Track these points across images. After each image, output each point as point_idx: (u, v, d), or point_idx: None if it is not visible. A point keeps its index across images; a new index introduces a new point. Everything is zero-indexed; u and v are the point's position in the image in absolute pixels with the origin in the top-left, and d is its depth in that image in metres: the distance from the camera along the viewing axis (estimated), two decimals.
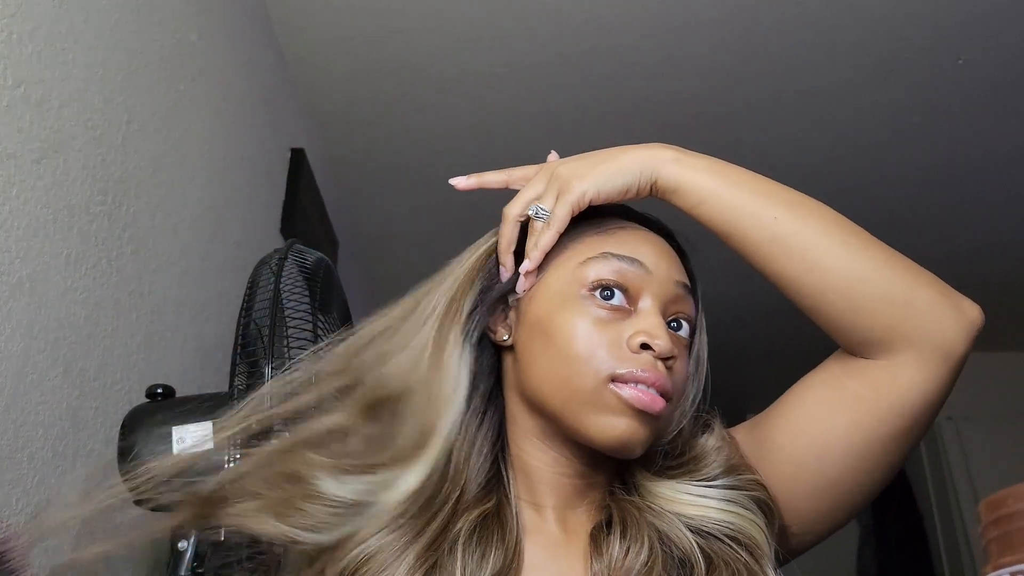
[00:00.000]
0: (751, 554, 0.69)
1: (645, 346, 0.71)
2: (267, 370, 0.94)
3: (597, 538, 0.72)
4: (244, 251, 1.74)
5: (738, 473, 0.73)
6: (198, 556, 1.00)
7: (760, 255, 0.73)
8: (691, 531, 0.70)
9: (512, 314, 0.77)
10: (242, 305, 1.00)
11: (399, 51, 2.11)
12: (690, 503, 0.72)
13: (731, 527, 0.70)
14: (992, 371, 3.91)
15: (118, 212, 1.23)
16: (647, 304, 0.73)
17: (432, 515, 0.70)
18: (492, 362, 0.79)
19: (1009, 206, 2.84)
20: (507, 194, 0.82)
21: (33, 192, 1.01)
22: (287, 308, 1.00)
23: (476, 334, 0.75)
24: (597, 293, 0.73)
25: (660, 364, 0.71)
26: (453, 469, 0.72)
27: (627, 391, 0.69)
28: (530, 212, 0.76)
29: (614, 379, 0.70)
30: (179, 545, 1.00)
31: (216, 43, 1.66)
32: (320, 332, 1.01)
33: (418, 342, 0.74)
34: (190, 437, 1.00)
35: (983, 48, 2.15)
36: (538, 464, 0.75)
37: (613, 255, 0.74)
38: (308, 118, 2.31)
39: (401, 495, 0.69)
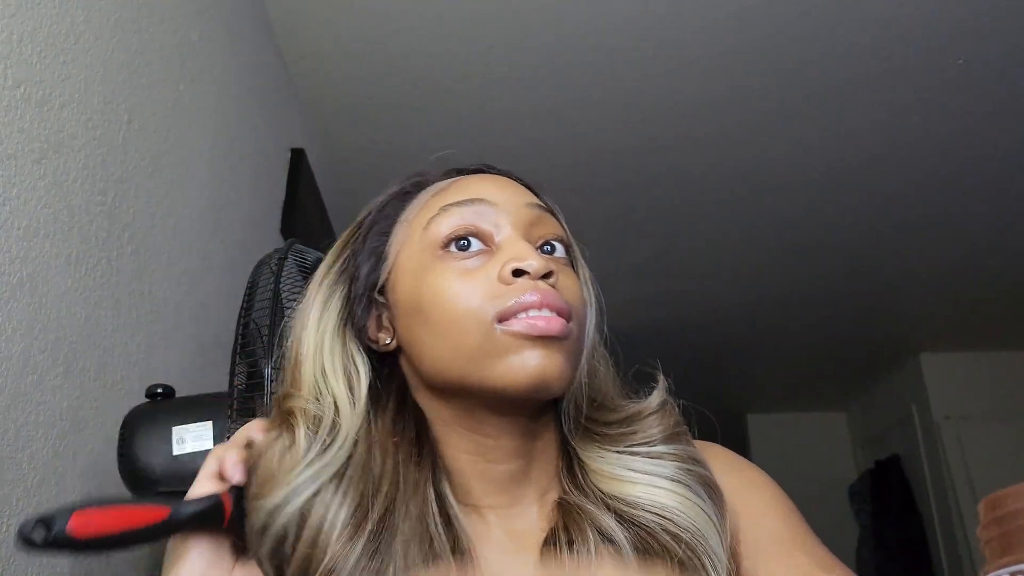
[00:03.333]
0: (693, 552, 0.63)
1: (518, 272, 0.65)
2: (267, 370, 0.94)
3: (546, 555, 0.66)
4: (244, 251, 1.74)
5: (678, 443, 0.69)
6: None
7: None
8: (633, 524, 0.65)
9: (384, 315, 0.71)
10: (242, 305, 1.00)
11: (399, 51, 2.11)
12: (637, 480, 0.67)
13: (676, 522, 0.64)
14: (992, 371, 3.92)
15: (118, 212, 1.23)
16: (505, 234, 0.68)
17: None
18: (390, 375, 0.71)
19: (1009, 206, 2.84)
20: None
21: (33, 192, 1.01)
22: (287, 308, 1.00)
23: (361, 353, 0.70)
24: (452, 247, 0.68)
25: (541, 283, 0.65)
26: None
27: (518, 324, 0.63)
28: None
29: (500, 319, 0.63)
30: None
31: (216, 43, 1.66)
32: None
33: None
34: (190, 437, 1.00)
35: (983, 48, 2.15)
36: (467, 456, 0.69)
37: (452, 204, 0.69)
38: (308, 118, 2.31)
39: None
